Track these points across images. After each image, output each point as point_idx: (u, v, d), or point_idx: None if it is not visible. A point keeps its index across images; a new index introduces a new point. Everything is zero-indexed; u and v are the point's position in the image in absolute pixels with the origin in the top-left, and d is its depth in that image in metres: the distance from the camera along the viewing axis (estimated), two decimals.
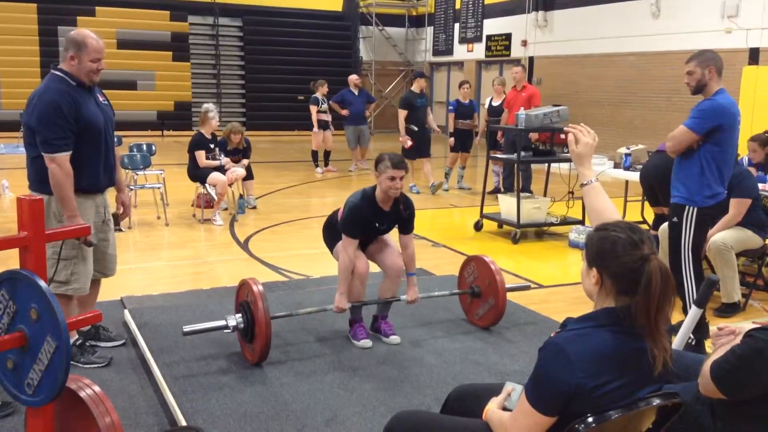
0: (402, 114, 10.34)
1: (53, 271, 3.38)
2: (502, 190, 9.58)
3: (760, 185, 5.73)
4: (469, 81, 11.60)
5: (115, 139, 11.49)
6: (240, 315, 3.86)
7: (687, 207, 4.29)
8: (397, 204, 4.16)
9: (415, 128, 10.34)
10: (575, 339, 1.91)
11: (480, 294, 4.54)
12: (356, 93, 12.28)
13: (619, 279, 1.91)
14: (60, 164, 3.46)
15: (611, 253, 1.91)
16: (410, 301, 4.32)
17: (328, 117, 12.21)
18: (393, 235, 4.39)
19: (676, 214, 4.36)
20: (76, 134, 3.51)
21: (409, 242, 4.28)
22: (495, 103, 10.34)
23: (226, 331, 3.89)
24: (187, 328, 3.80)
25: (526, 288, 5.03)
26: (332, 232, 4.31)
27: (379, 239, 4.37)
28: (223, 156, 8.30)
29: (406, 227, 4.26)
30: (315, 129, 12.08)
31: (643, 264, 1.86)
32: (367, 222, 4.13)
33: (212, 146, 8.16)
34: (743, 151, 6.63)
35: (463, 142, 10.68)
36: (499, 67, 18.50)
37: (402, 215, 4.20)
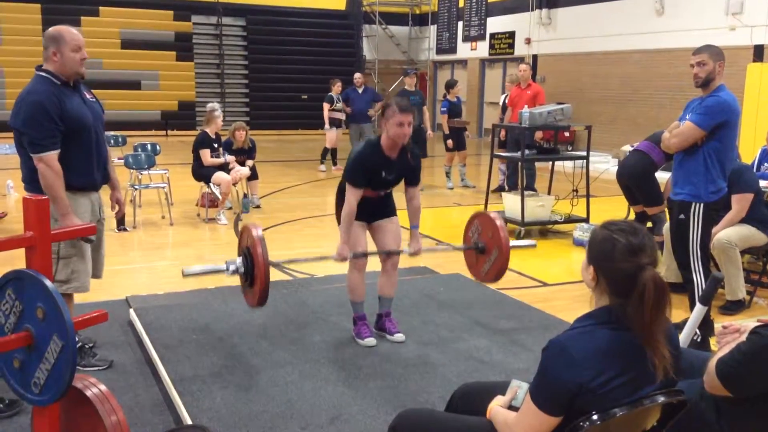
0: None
1: (54, 270, 3.37)
2: (506, 188, 9.57)
3: (764, 182, 5.72)
4: (458, 80, 11.67)
5: (119, 139, 11.47)
6: (241, 259, 3.88)
7: (694, 204, 4.29)
8: (405, 152, 4.09)
9: (420, 157, 10.30)
10: (577, 337, 1.91)
11: (484, 249, 4.45)
12: (360, 91, 12.29)
13: (614, 282, 1.92)
14: (48, 163, 3.46)
15: (609, 255, 1.91)
16: (412, 253, 4.28)
17: (341, 115, 12.23)
18: (401, 226, 4.38)
19: (682, 211, 4.35)
20: (63, 133, 3.50)
21: (415, 194, 4.25)
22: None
23: (226, 274, 3.88)
24: (187, 270, 3.83)
25: (533, 246, 4.97)
26: (343, 198, 4.22)
27: (390, 221, 4.28)
28: (227, 154, 8.30)
29: (413, 178, 4.21)
30: (326, 126, 12.13)
31: (638, 272, 1.86)
32: (373, 171, 4.02)
33: (216, 146, 8.17)
34: (743, 147, 6.63)
35: (457, 140, 10.69)
36: (503, 65, 18.48)
37: (410, 163, 4.14)
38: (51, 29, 3.63)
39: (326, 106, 12.13)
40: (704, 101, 4.21)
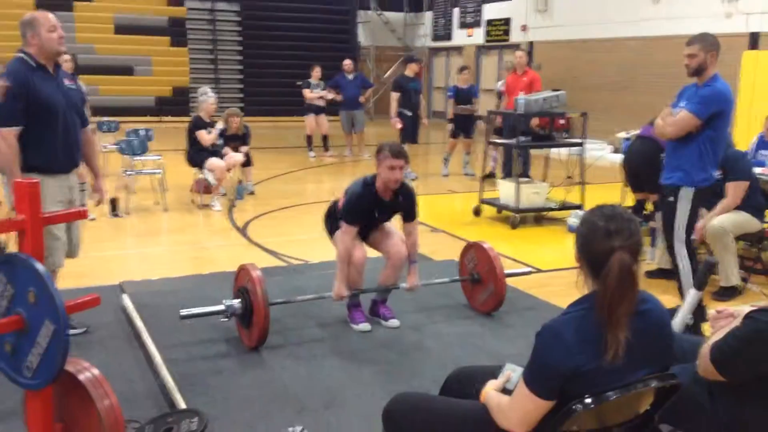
0: (393, 96, 10.34)
1: None
2: (502, 175, 9.55)
3: (759, 169, 5.73)
4: (469, 66, 11.54)
5: (112, 125, 11.35)
6: (238, 300, 3.86)
7: (683, 187, 4.35)
8: (398, 195, 4.15)
9: (408, 113, 10.32)
10: (570, 322, 1.92)
11: (480, 280, 4.54)
12: (350, 78, 12.21)
13: (590, 264, 1.94)
14: (4, 137, 3.55)
15: (588, 239, 1.94)
16: (409, 289, 4.32)
17: (321, 102, 12.16)
18: (395, 222, 4.38)
19: (671, 194, 4.41)
20: (27, 112, 3.58)
21: (412, 230, 4.27)
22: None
23: (223, 320, 3.88)
24: (184, 312, 3.80)
25: (527, 273, 5.01)
26: (332, 222, 4.30)
27: (382, 227, 4.35)
28: (221, 138, 8.24)
29: (409, 215, 4.25)
30: (320, 101, 12.09)
31: (609, 254, 1.88)
32: (366, 211, 4.12)
33: (210, 129, 8.11)
34: (738, 134, 6.62)
35: (463, 127, 10.64)
36: (499, 52, 18.42)
37: (402, 206, 4.20)
38: (24, 16, 3.76)
39: (306, 91, 12.08)
40: (700, 91, 4.26)
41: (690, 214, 4.38)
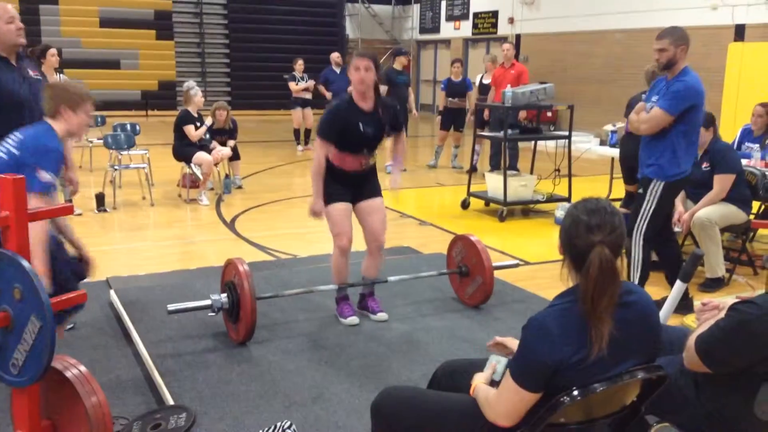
0: (382, 90, 10.30)
1: None
2: (489, 168, 9.55)
3: (744, 161, 5.77)
4: (461, 59, 11.55)
5: (99, 119, 11.28)
6: (225, 295, 3.85)
7: (655, 180, 4.38)
8: (378, 106, 4.06)
9: (397, 106, 10.30)
10: (556, 314, 1.93)
11: (468, 273, 4.54)
12: (338, 71, 12.18)
13: (572, 258, 1.96)
14: None
15: (570, 233, 1.95)
16: (392, 189, 4.37)
17: (306, 94, 12.14)
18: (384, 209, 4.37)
19: (643, 186, 4.46)
20: None
21: (399, 138, 4.34)
22: (486, 81, 10.29)
23: (210, 314, 3.87)
24: (171, 307, 3.78)
25: (515, 266, 5.02)
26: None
27: (372, 202, 4.22)
28: (207, 134, 8.21)
29: (394, 125, 4.21)
30: (305, 93, 12.13)
31: (589, 249, 1.89)
32: (349, 125, 3.98)
33: (198, 124, 8.08)
34: (723, 126, 6.65)
35: (454, 120, 10.64)
36: (486, 45, 18.42)
37: (385, 118, 4.11)
38: None
39: (291, 84, 12.07)
40: (671, 86, 4.28)
41: (656, 208, 4.38)
